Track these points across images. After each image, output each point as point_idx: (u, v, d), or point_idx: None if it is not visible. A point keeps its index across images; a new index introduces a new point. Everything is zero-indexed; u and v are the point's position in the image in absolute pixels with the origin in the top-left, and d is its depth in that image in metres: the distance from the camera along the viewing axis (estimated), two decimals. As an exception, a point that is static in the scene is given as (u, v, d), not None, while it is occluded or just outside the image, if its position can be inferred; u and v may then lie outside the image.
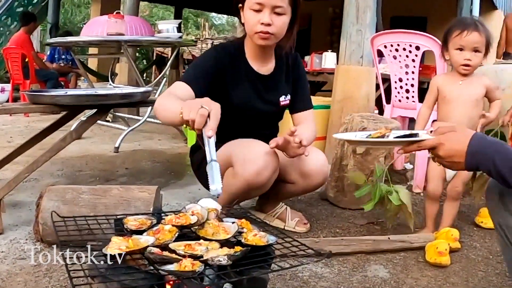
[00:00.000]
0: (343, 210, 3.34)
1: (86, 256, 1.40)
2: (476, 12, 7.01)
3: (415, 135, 1.84)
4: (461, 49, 2.72)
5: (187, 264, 1.31)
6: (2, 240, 2.65)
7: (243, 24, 2.61)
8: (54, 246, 2.48)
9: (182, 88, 2.42)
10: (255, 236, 1.55)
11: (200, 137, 1.69)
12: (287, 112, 2.94)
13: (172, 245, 1.47)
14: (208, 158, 1.65)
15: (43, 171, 3.95)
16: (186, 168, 4.43)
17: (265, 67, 2.75)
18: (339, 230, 3.01)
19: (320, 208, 3.39)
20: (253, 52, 2.69)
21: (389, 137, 1.91)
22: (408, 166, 4.57)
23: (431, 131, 1.80)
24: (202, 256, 1.39)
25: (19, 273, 2.28)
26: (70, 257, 1.37)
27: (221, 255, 1.36)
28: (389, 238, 2.76)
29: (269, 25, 2.45)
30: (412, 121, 4.40)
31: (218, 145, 2.60)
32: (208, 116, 1.68)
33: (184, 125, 1.75)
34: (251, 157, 2.45)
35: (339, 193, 3.42)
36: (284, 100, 2.82)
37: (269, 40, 2.53)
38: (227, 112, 2.70)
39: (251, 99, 2.72)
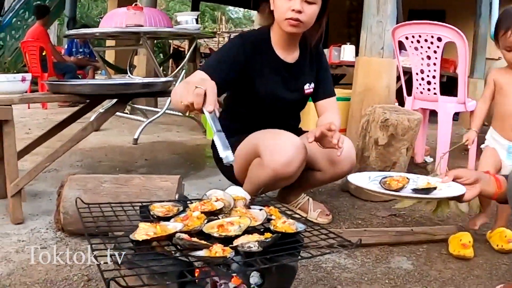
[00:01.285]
0: (364, 202, 3.31)
1: (113, 243, 1.39)
2: (496, 4, 6.91)
3: (434, 188, 1.87)
4: (509, 50, 2.61)
5: (217, 250, 1.28)
6: (22, 229, 2.66)
7: (271, 12, 2.59)
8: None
9: (199, 77, 2.39)
10: (284, 224, 1.52)
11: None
12: (309, 103, 2.93)
13: (205, 228, 1.44)
14: (213, 130, 1.68)
15: (62, 162, 3.96)
16: (206, 160, 4.42)
17: (291, 55, 2.74)
18: (361, 221, 2.98)
19: (341, 200, 3.36)
20: (279, 40, 2.68)
21: (406, 188, 1.89)
22: (428, 159, 4.53)
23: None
24: (232, 242, 1.36)
25: (39, 262, 2.27)
26: (96, 243, 1.34)
27: (251, 241, 1.33)
28: (412, 230, 2.73)
29: (299, 12, 2.44)
30: (433, 113, 4.36)
31: (244, 136, 2.62)
32: (205, 94, 1.69)
33: (188, 113, 1.80)
34: (280, 148, 2.42)
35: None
36: (308, 88, 2.81)
37: (298, 28, 2.52)
38: (252, 101, 2.71)
39: (276, 87, 2.70)
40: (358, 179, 1.99)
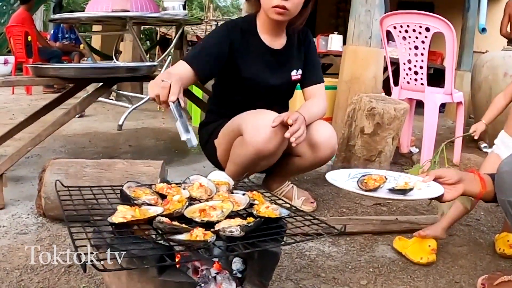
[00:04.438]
0: (348, 190, 3.28)
1: (92, 226, 1.36)
2: (484, 0, 6.93)
3: (410, 189, 1.79)
4: None
5: (198, 234, 1.25)
6: (3, 215, 2.62)
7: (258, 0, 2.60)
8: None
9: (180, 68, 2.44)
10: (267, 209, 1.50)
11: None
12: (296, 91, 2.92)
13: (186, 212, 1.42)
14: (175, 117, 1.79)
15: (45, 147, 3.93)
16: (190, 147, 4.39)
17: (277, 42, 2.74)
18: (346, 210, 2.97)
19: (326, 188, 3.34)
20: (265, 27, 2.69)
21: (382, 187, 1.81)
22: (414, 149, 4.53)
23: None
24: (214, 226, 1.34)
25: (20, 247, 2.25)
26: (75, 227, 1.31)
27: (233, 226, 1.31)
28: (396, 218, 2.74)
29: None
30: (419, 104, 4.35)
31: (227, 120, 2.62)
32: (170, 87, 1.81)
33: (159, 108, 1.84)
34: (261, 125, 2.40)
35: (346, 174, 3.37)
36: (296, 74, 2.80)
37: (284, 16, 2.54)
38: (239, 87, 2.70)
39: (262, 73, 2.70)
40: (336, 176, 1.92)
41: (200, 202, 1.53)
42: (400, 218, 2.74)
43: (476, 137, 2.87)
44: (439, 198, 1.79)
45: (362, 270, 2.23)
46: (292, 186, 2.97)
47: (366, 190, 1.78)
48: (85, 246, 1.21)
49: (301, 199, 2.91)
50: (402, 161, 4.16)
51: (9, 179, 3.00)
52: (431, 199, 1.83)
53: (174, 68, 2.45)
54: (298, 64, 2.81)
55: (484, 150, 4.88)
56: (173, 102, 1.79)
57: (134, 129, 5.23)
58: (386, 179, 1.85)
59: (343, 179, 1.90)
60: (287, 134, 2.32)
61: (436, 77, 5.77)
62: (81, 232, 1.27)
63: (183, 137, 1.75)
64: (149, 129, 5.32)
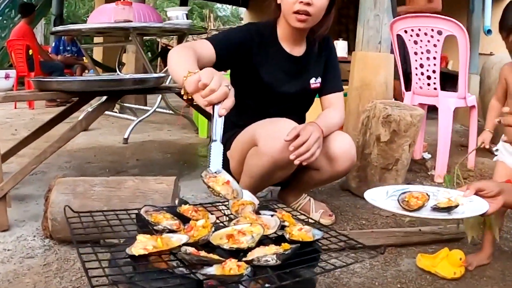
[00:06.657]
0: (366, 201, 3.17)
1: (108, 260, 1.23)
2: (488, 1, 6.84)
3: (455, 206, 1.71)
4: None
5: (232, 267, 1.12)
6: (8, 237, 2.52)
7: (278, 6, 2.53)
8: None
9: (205, 45, 2.34)
10: (300, 231, 1.37)
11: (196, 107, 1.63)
12: (314, 104, 2.84)
13: (212, 238, 1.30)
14: (212, 137, 1.59)
15: (50, 163, 3.84)
16: (199, 159, 4.30)
17: (298, 49, 2.67)
18: (365, 221, 2.87)
19: (342, 199, 3.25)
20: (286, 34, 2.61)
21: (426, 206, 1.74)
22: (426, 155, 4.43)
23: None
24: (246, 254, 1.21)
25: (27, 273, 2.15)
26: (88, 261, 1.19)
27: (269, 255, 1.18)
28: (420, 230, 2.63)
29: (308, 4, 2.38)
30: (432, 109, 4.25)
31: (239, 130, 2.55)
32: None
33: (184, 93, 1.62)
34: (276, 133, 2.30)
35: (361, 183, 3.28)
36: (315, 82, 2.72)
37: (306, 23, 2.46)
38: (257, 90, 2.63)
39: (281, 79, 2.62)
40: (375, 196, 1.83)
41: (226, 199, 1.45)
42: (423, 229, 2.63)
43: (487, 147, 2.78)
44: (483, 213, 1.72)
45: (389, 287, 2.14)
46: (309, 199, 2.88)
47: (410, 210, 1.71)
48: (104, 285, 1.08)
49: (319, 212, 2.82)
50: (416, 167, 4.07)
51: (12, 198, 2.92)
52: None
53: (200, 45, 2.31)
54: (317, 72, 2.73)
55: (496, 153, 4.77)
56: (220, 116, 1.56)
57: (140, 142, 5.14)
58: (429, 196, 1.77)
59: (382, 198, 1.82)
60: (292, 157, 2.21)
61: (441, 81, 5.69)
62: (97, 268, 1.15)
63: (213, 167, 1.58)
64: (155, 142, 5.23)
